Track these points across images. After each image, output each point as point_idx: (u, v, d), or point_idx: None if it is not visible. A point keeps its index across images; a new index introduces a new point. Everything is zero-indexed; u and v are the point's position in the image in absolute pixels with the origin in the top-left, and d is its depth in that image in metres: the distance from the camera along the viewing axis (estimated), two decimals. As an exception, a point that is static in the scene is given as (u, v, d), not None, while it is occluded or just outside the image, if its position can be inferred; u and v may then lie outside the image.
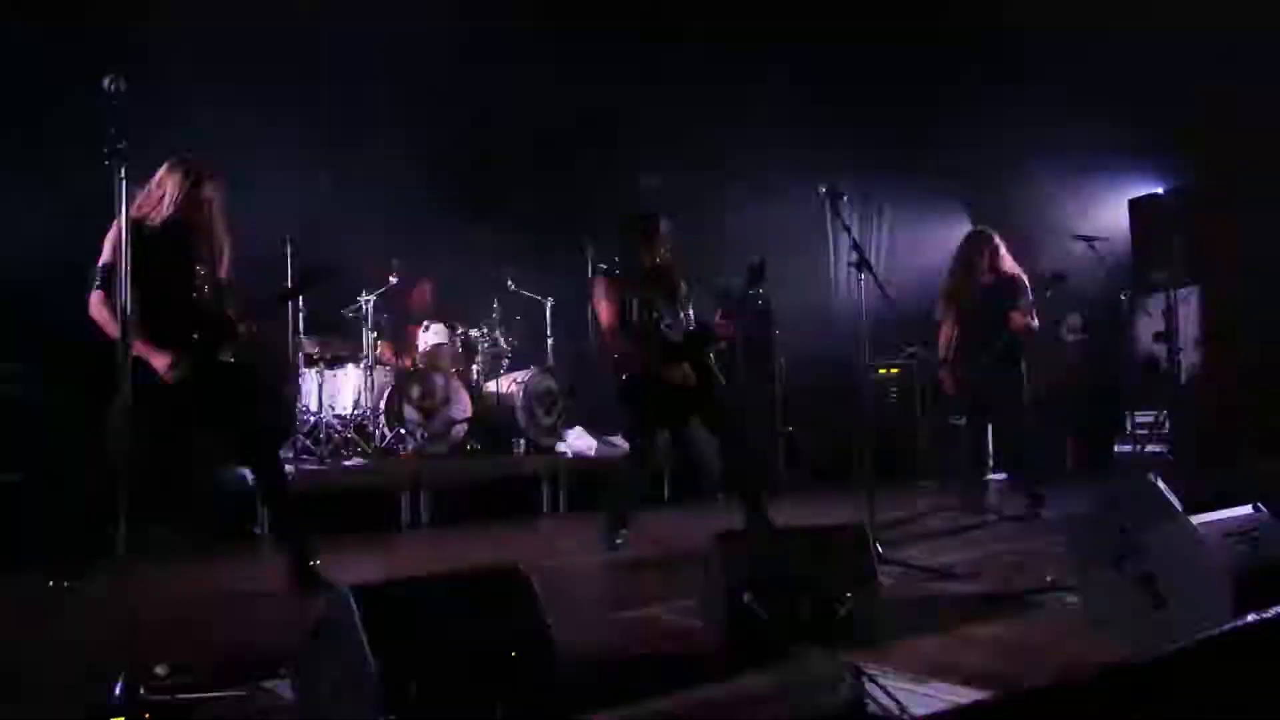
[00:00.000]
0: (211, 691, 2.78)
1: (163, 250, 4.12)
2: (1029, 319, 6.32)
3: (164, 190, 4.18)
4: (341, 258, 7.16)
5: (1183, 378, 8.79)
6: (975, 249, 6.65)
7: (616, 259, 5.63)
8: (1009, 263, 6.61)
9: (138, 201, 4.15)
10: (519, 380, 7.92)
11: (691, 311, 5.57)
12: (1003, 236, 6.79)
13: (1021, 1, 8.85)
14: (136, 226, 4.11)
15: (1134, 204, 9.44)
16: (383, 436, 7.20)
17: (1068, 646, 3.15)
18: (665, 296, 5.45)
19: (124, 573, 2.83)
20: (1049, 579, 4.03)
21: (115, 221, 3.98)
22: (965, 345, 6.60)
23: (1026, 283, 6.53)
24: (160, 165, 4.26)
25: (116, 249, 3.96)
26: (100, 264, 4.07)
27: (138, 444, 4.10)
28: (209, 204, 4.26)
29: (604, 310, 5.42)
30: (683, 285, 5.60)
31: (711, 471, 6.44)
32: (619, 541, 5.35)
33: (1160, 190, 9.28)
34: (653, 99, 8.92)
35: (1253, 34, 7.59)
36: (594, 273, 5.65)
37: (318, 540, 4.44)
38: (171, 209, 4.17)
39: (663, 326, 5.36)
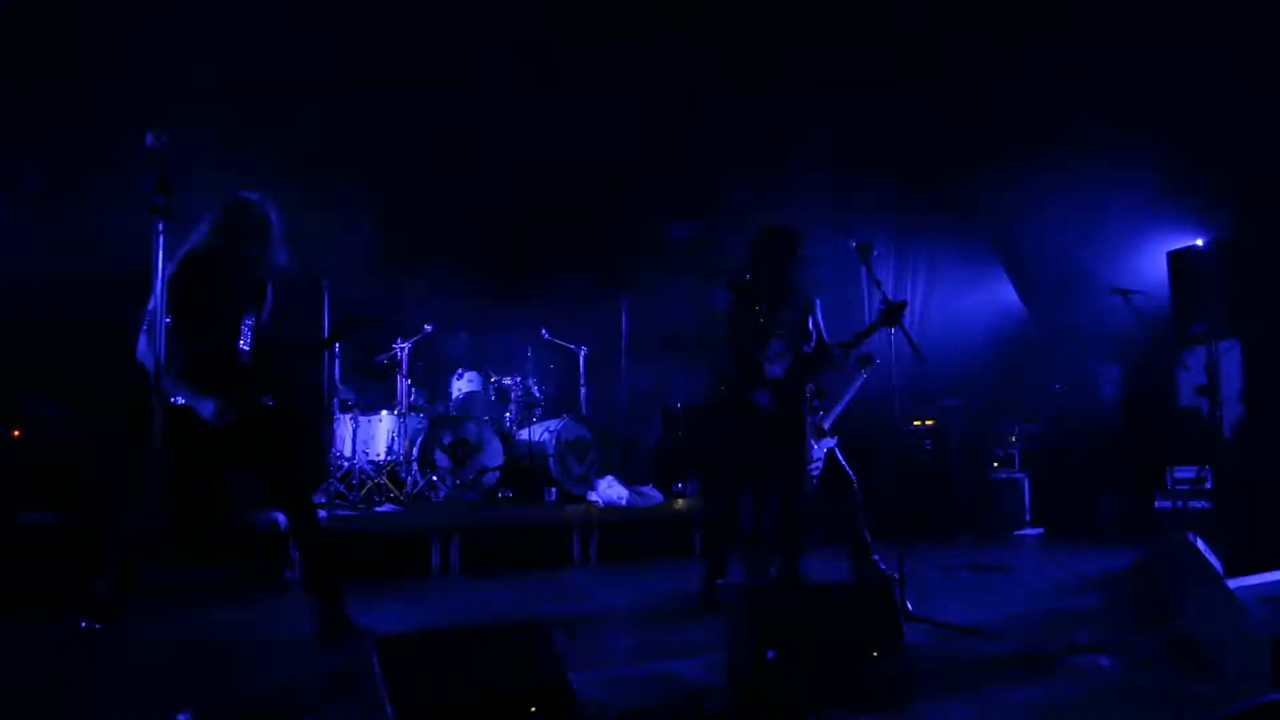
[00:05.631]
0: (234, 740, 2.79)
1: (210, 291, 4.21)
2: None
3: (216, 227, 4.25)
4: (378, 305, 7.32)
5: (1226, 432, 8.64)
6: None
7: (748, 275, 5.19)
8: None
9: (192, 240, 4.24)
10: (551, 429, 7.94)
11: (811, 345, 5.17)
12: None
13: (1061, 52, 8.88)
14: (188, 264, 4.20)
15: (1174, 256, 9.33)
16: (415, 483, 7.23)
17: (1102, 712, 3.07)
18: (782, 323, 5.09)
19: (153, 616, 2.86)
20: (1084, 640, 3.95)
21: (166, 266, 4.12)
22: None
23: None
24: (210, 205, 4.32)
25: (167, 292, 4.08)
26: (149, 307, 4.14)
27: (174, 487, 4.20)
28: (266, 246, 4.33)
29: (725, 329, 5.18)
30: (811, 320, 5.22)
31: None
32: (717, 591, 5.18)
33: (1200, 242, 9.18)
34: (687, 146, 9.01)
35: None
36: (727, 287, 5.25)
37: (346, 586, 4.45)
38: (221, 242, 4.24)
39: (764, 360, 5.03)
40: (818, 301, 5.27)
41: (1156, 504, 8.76)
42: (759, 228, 5.24)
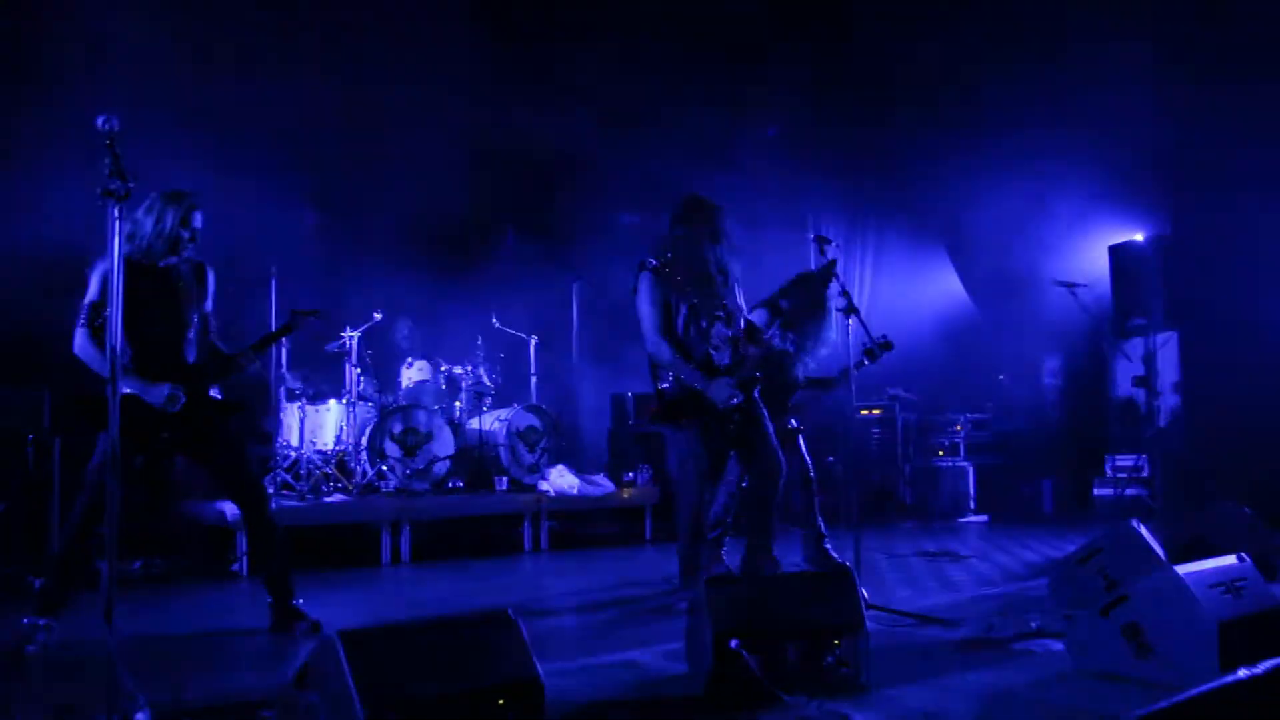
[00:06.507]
0: (193, 736, 2.74)
1: (151, 287, 4.11)
2: None
3: (154, 223, 4.14)
4: (326, 293, 7.22)
5: (1162, 422, 8.87)
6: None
7: (668, 253, 4.79)
8: None
9: (127, 232, 4.12)
10: (502, 418, 7.90)
11: (743, 321, 4.89)
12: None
13: (1007, 48, 9.02)
14: (126, 261, 4.09)
15: (1114, 250, 9.54)
16: (364, 473, 7.15)
17: (1055, 696, 3.14)
18: (718, 306, 4.76)
19: (102, 612, 2.79)
20: (1034, 626, 4.03)
21: (103, 258, 3.99)
22: None
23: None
24: (146, 197, 4.22)
25: (104, 286, 3.94)
26: (86, 301, 4.04)
27: (121, 481, 4.10)
28: (196, 238, 4.24)
29: (646, 314, 4.72)
30: (739, 294, 4.91)
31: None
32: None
33: (1140, 237, 9.39)
34: (637, 138, 9.00)
35: (1233, 85, 7.74)
36: (640, 268, 4.75)
37: (296, 577, 4.39)
38: (162, 243, 4.14)
39: (709, 348, 4.71)
40: (737, 275, 4.95)
41: (1096, 491, 8.99)
42: (679, 202, 4.86)
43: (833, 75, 9.64)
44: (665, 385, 4.76)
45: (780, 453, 4.88)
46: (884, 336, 5.41)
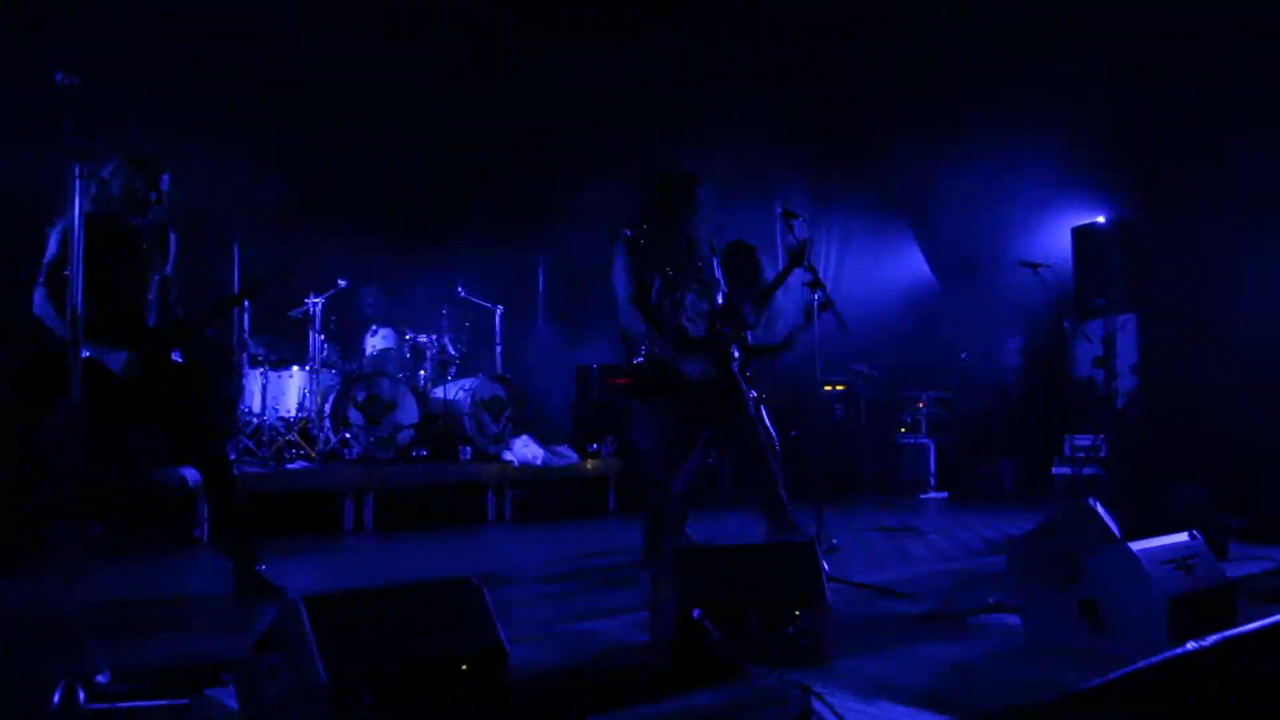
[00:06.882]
0: (153, 700, 2.72)
1: (114, 247, 4.06)
2: None
3: (119, 185, 4.09)
4: (290, 259, 7.14)
5: (1120, 403, 9.01)
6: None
7: (644, 226, 4.74)
8: None
9: (91, 193, 4.06)
10: (466, 387, 7.88)
11: (720, 298, 4.85)
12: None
13: (972, 32, 9.06)
14: (87, 221, 4.02)
15: (1077, 231, 9.64)
16: (327, 440, 7.11)
17: (1011, 669, 3.20)
18: (693, 280, 4.71)
19: (62, 575, 2.77)
20: (992, 600, 4.09)
21: (62, 215, 3.93)
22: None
23: None
24: (111, 158, 4.17)
25: (65, 245, 3.89)
26: (45, 260, 3.98)
27: (82, 444, 4.06)
28: (163, 201, 4.19)
29: (620, 286, 4.67)
30: (715, 266, 4.87)
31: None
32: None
33: (1101, 219, 9.50)
34: (606, 108, 8.95)
35: (1196, 70, 7.83)
36: (614, 240, 4.70)
37: (259, 543, 4.37)
38: (128, 206, 4.09)
39: (684, 320, 4.68)
40: (716, 248, 4.94)
41: (1054, 470, 9.13)
42: (651, 175, 4.81)
43: (801, 55, 9.62)
44: (638, 360, 4.71)
45: (759, 426, 4.82)
46: (826, 295, 5.31)
